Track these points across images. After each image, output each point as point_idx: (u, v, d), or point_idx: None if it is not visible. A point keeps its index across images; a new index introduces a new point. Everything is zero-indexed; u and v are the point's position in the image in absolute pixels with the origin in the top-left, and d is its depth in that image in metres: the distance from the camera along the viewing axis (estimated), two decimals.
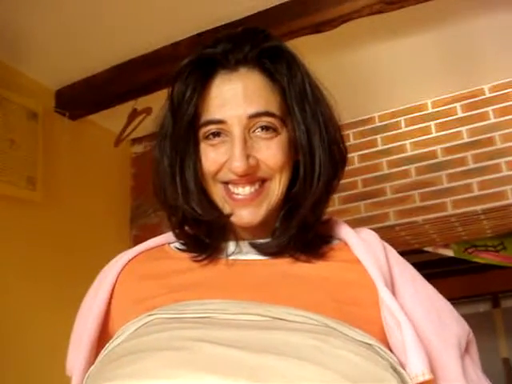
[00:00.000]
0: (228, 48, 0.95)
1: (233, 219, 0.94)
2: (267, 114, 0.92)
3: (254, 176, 0.92)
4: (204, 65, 0.94)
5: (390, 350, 0.81)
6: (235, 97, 0.92)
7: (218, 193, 0.95)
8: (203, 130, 0.94)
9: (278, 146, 0.93)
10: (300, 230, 0.95)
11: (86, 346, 0.92)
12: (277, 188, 0.94)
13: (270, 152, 0.92)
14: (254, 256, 0.96)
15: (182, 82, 0.93)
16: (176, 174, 0.95)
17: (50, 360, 2.03)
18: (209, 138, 0.93)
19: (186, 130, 0.94)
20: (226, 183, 0.94)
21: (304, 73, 0.97)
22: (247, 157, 0.90)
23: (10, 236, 2.50)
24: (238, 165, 0.89)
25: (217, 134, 0.93)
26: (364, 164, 3.32)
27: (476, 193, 2.99)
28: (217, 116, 0.92)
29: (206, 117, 0.93)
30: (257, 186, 0.93)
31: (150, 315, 0.81)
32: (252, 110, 0.91)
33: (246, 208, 0.93)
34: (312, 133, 0.95)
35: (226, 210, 0.95)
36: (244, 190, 0.93)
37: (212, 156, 0.93)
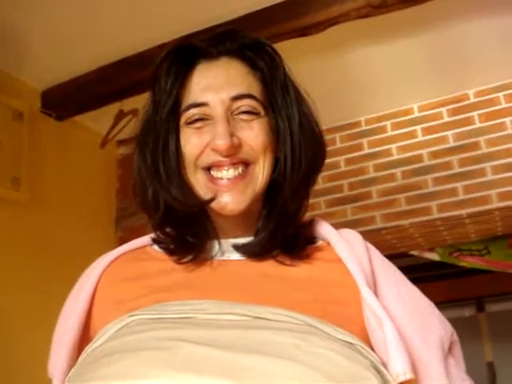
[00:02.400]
0: (210, 43, 0.97)
1: (216, 207, 0.93)
2: (249, 96, 0.93)
3: (237, 157, 0.92)
4: (186, 55, 0.95)
5: (373, 350, 0.81)
6: (217, 81, 0.94)
7: (199, 181, 0.94)
8: (185, 116, 0.94)
9: (260, 127, 0.93)
10: (279, 223, 0.95)
11: (68, 348, 0.91)
12: (261, 173, 0.94)
13: (253, 132, 0.93)
14: (237, 257, 0.95)
15: (163, 73, 0.94)
16: (159, 165, 0.94)
17: (33, 363, 2.01)
18: (191, 122, 0.94)
19: (167, 119, 0.94)
20: (208, 170, 0.93)
21: (285, 68, 0.99)
22: (231, 135, 0.90)
23: None
24: (222, 142, 0.89)
25: (199, 120, 0.93)
26: (350, 167, 3.32)
27: (461, 197, 3.01)
28: (199, 99, 0.93)
29: (187, 102, 0.94)
30: (240, 169, 0.93)
31: (131, 316, 0.81)
32: (234, 92, 0.93)
33: (230, 193, 0.92)
34: (292, 120, 0.96)
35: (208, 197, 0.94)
36: (228, 174, 0.92)
37: (194, 139, 0.93)
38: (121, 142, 3.44)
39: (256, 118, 0.94)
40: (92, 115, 2.94)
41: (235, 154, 0.92)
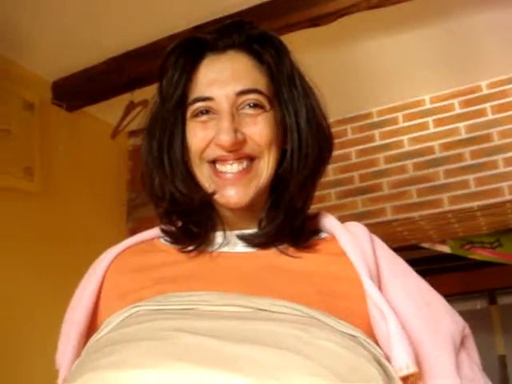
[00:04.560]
0: (217, 36, 0.97)
1: (220, 200, 0.93)
2: (255, 91, 0.93)
3: (241, 152, 0.92)
4: (193, 49, 0.96)
5: (377, 344, 0.80)
6: (223, 75, 0.94)
7: (204, 173, 0.95)
8: (191, 109, 0.94)
9: (265, 122, 0.93)
10: (287, 216, 0.95)
11: (74, 338, 0.92)
12: (265, 168, 0.94)
13: (257, 127, 0.93)
14: (242, 248, 0.95)
15: (171, 65, 0.95)
16: (164, 157, 0.95)
17: (43, 353, 2.02)
18: (197, 115, 0.94)
19: (174, 111, 0.95)
20: (213, 163, 0.94)
21: (292, 61, 0.99)
22: (235, 131, 0.90)
23: (8, 226, 2.50)
24: (226, 138, 0.89)
25: (205, 112, 0.94)
26: (361, 159, 3.32)
27: (473, 189, 3.00)
28: (205, 94, 0.93)
29: (194, 95, 0.94)
30: (244, 164, 0.93)
31: (134, 307, 0.81)
32: (240, 87, 0.93)
33: (234, 187, 0.92)
34: (299, 114, 0.96)
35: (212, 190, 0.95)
36: (232, 168, 0.92)
37: (199, 132, 0.93)
38: (131, 133, 3.45)
39: (262, 112, 0.94)
40: (103, 106, 2.95)
41: (239, 150, 0.92)
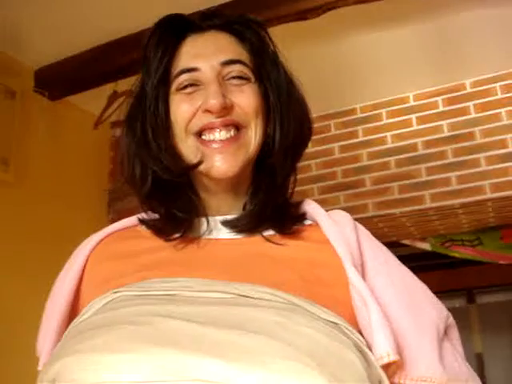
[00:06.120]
0: (197, 19, 0.99)
1: (208, 169, 0.92)
2: (239, 61, 0.95)
3: (229, 119, 0.92)
4: (174, 28, 0.97)
5: (360, 332, 0.80)
6: (207, 48, 0.95)
7: (190, 146, 0.94)
8: (176, 82, 0.94)
9: (250, 91, 0.94)
10: (268, 194, 0.96)
11: (55, 327, 0.92)
12: (253, 137, 0.94)
13: (244, 95, 0.94)
14: (226, 235, 0.95)
15: (153, 45, 0.95)
16: (148, 134, 0.94)
17: (20, 349, 2.01)
18: (182, 89, 0.94)
19: (157, 87, 0.94)
20: (199, 135, 0.93)
21: (272, 40, 1.01)
22: (223, 95, 0.91)
23: None
24: (215, 101, 0.89)
25: (190, 86, 0.94)
26: (344, 155, 3.33)
27: (454, 187, 3.02)
28: (190, 65, 0.94)
29: (178, 68, 0.94)
30: (232, 132, 0.92)
31: (115, 292, 0.81)
32: (224, 57, 0.94)
33: (222, 155, 0.91)
34: (281, 88, 0.98)
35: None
36: (220, 135, 0.92)
37: (185, 104, 0.93)
38: (114, 124, 3.41)
39: (246, 82, 0.95)
40: (85, 95, 2.92)
41: (227, 115, 0.92)
